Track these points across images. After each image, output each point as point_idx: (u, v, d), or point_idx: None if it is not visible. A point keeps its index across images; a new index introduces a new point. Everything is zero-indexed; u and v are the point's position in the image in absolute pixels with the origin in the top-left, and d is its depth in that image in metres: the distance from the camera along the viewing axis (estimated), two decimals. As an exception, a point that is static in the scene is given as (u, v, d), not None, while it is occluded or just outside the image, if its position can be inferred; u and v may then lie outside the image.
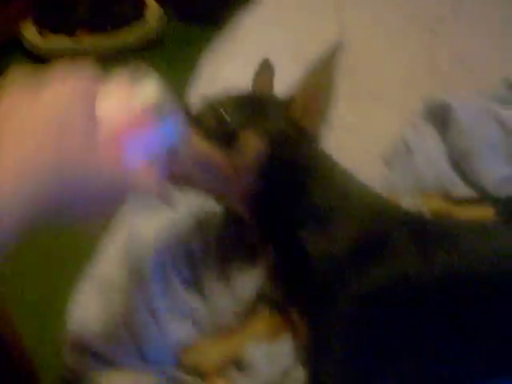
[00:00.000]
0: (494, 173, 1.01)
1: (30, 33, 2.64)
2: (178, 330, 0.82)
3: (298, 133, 0.77)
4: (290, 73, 1.33)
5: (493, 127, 1.06)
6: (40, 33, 2.64)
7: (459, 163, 1.05)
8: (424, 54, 1.43)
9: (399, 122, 1.17)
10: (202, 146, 0.72)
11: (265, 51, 1.40)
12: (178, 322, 0.83)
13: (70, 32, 2.64)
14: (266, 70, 0.91)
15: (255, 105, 0.79)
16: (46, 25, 2.65)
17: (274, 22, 1.55)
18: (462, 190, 1.04)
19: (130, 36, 2.69)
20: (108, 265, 0.92)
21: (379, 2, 1.63)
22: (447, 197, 0.99)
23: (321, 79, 0.77)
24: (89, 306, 0.86)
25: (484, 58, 1.37)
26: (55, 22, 2.65)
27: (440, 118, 1.09)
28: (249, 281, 0.84)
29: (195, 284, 0.86)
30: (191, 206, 0.92)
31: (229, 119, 0.73)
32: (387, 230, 0.74)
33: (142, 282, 0.86)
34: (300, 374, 0.76)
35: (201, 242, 0.89)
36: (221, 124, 0.73)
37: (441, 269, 0.71)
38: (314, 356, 0.73)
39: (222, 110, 0.73)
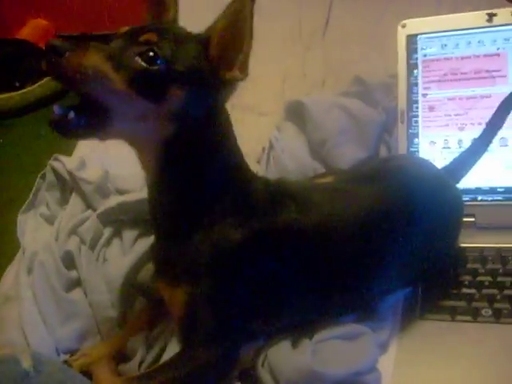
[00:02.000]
0: (348, 156, 1.14)
1: None
2: (66, 332, 0.89)
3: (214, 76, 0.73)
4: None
5: (342, 116, 1.19)
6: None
7: (318, 152, 1.18)
8: (297, 65, 1.56)
9: (269, 127, 1.28)
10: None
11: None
12: (66, 323, 0.90)
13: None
14: None
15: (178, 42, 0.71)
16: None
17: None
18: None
19: (38, 90, 2.75)
20: (6, 284, 0.99)
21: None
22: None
23: (238, 23, 0.70)
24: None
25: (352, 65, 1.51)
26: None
27: (297, 115, 1.22)
28: (119, 270, 0.93)
29: (77, 283, 0.94)
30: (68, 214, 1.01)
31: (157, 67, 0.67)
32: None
33: (31, 291, 0.93)
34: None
35: (77, 244, 0.98)
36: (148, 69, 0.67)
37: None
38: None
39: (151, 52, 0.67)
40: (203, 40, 0.73)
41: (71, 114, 0.65)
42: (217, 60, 0.73)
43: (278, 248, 0.80)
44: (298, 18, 1.73)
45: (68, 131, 0.67)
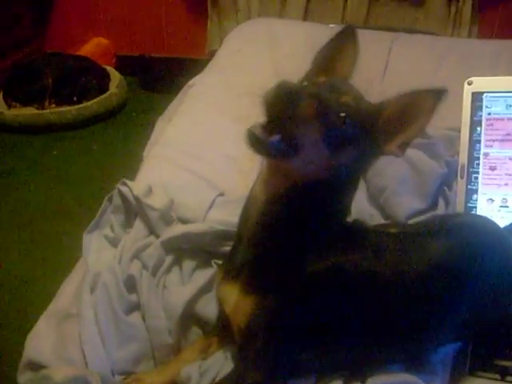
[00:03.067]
0: (406, 205, 1.16)
1: (-3, 104, 2.79)
2: (123, 355, 0.93)
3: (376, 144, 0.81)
4: (232, 128, 1.51)
5: (403, 165, 1.21)
6: (9, 105, 2.80)
7: (376, 198, 1.20)
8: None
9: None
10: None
11: (208, 111, 1.59)
12: (124, 345, 0.93)
13: (37, 103, 2.80)
14: (348, 37, 0.89)
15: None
16: (14, 97, 2.80)
17: (218, 85, 1.72)
18: (379, 221, 1.18)
19: (95, 105, 2.84)
20: (65, 299, 1.03)
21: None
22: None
23: (416, 110, 0.78)
24: (45, 335, 0.96)
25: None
26: (23, 94, 2.80)
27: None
28: (179, 298, 0.96)
29: (136, 307, 0.97)
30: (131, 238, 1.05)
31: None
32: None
33: (92, 311, 0.96)
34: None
35: (139, 268, 1.01)
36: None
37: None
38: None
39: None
40: (377, 110, 0.80)
41: (277, 137, 0.71)
42: (382, 131, 0.80)
43: (348, 286, 0.83)
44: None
45: (265, 150, 0.74)
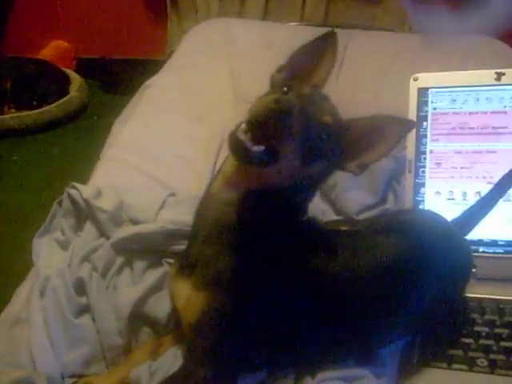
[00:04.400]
0: (356, 201, 1.18)
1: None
2: (72, 357, 0.92)
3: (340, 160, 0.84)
4: (187, 129, 1.51)
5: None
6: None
7: (328, 194, 1.21)
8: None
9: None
10: None
11: (163, 112, 1.59)
12: (73, 348, 0.93)
13: (-5, 108, 2.77)
14: (329, 42, 0.88)
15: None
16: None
17: (174, 86, 1.72)
18: (331, 217, 1.19)
19: (55, 109, 2.81)
20: (17, 305, 1.02)
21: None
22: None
23: (381, 132, 0.81)
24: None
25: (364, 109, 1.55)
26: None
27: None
28: (128, 299, 0.96)
29: (86, 309, 0.97)
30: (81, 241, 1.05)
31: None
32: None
33: (41, 315, 0.96)
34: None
35: (89, 270, 1.01)
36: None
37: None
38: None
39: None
40: (345, 127, 0.82)
41: (261, 148, 0.73)
42: (346, 148, 0.83)
43: (300, 283, 0.84)
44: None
45: (248, 158, 0.74)
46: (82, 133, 2.82)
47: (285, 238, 0.85)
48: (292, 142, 0.74)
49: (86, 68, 3.16)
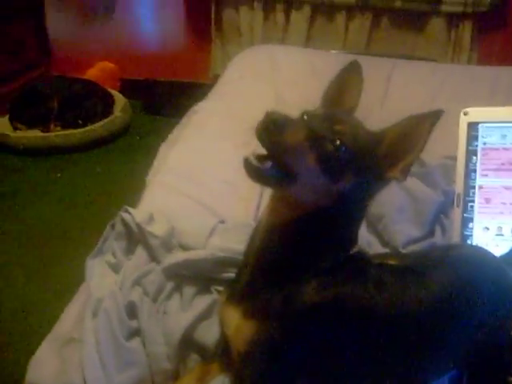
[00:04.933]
0: (403, 233, 1.18)
1: (2, 126, 2.84)
2: (122, 380, 0.94)
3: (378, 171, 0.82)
4: (233, 155, 1.54)
5: (401, 194, 1.24)
6: (15, 128, 2.84)
7: (374, 226, 1.22)
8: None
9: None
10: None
11: (210, 138, 1.62)
12: (123, 370, 0.95)
13: (42, 126, 2.84)
14: (353, 71, 0.92)
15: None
16: (20, 120, 2.85)
17: (220, 112, 1.76)
18: (377, 249, 1.20)
19: (99, 129, 2.88)
20: (68, 324, 1.05)
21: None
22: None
23: (413, 135, 0.81)
24: (47, 360, 0.98)
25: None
26: (28, 116, 2.84)
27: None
28: (178, 324, 0.98)
29: (136, 332, 0.99)
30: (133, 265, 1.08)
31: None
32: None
33: (94, 336, 0.98)
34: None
35: (140, 294, 1.03)
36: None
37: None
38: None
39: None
40: (377, 138, 0.82)
41: (268, 164, 0.75)
42: (383, 158, 0.82)
43: (348, 318, 0.84)
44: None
45: (261, 178, 0.78)
46: (124, 152, 2.88)
47: (333, 269, 0.85)
48: (298, 155, 0.75)
49: (130, 89, 3.23)
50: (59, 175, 2.66)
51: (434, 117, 0.81)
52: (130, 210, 1.16)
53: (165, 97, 3.17)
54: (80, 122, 2.90)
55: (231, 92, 1.91)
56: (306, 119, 0.81)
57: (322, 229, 0.83)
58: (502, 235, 1.14)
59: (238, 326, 0.86)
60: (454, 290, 0.90)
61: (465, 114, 1.21)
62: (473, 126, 1.20)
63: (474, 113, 1.20)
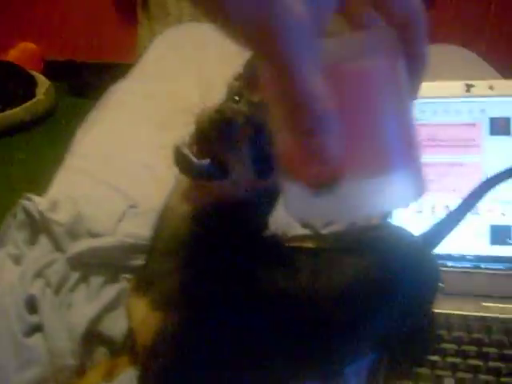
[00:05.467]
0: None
1: None
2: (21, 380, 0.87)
3: None
4: (152, 137, 1.47)
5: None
6: None
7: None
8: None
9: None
10: None
11: (128, 120, 1.55)
12: (23, 370, 0.88)
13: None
14: None
15: None
16: None
17: (140, 92, 1.68)
18: (298, 230, 1.16)
19: (20, 113, 2.74)
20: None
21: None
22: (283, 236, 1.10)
23: None
24: None
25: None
26: None
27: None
28: (82, 317, 0.91)
29: (37, 328, 0.92)
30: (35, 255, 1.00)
31: None
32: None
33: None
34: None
35: (42, 287, 0.96)
36: None
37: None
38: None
39: None
40: None
41: (207, 161, 0.69)
42: None
43: (258, 305, 0.80)
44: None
45: (194, 172, 0.72)
46: (49, 137, 2.75)
47: (243, 255, 0.81)
48: (239, 153, 0.71)
49: (54, 71, 3.09)
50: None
51: None
52: (32, 197, 1.09)
53: (91, 78, 3.05)
54: (0, 106, 2.75)
55: (152, 72, 1.83)
56: (248, 112, 0.74)
57: (236, 218, 0.80)
58: (422, 213, 1.13)
59: (143, 318, 0.81)
60: (370, 274, 0.87)
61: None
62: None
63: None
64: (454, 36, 2.46)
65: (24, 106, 2.74)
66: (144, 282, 0.83)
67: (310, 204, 0.46)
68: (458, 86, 1.14)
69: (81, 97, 3.05)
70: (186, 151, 0.69)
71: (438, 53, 1.86)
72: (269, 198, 0.83)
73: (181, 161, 0.70)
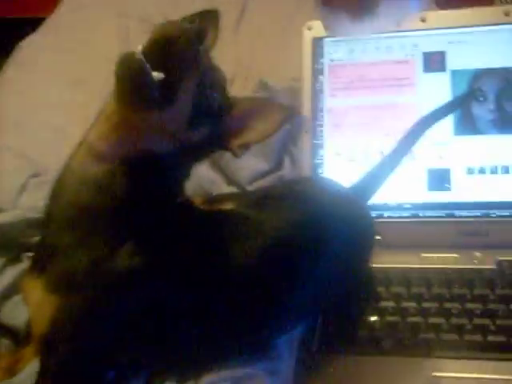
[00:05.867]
0: (248, 168, 1.06)
1: None
2: None
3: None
4: (63, 95, 1.34)
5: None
6: None
7: (218, 162, 1.08)
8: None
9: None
10: None
11: (38, 78, 1.41)
12: None
13: None
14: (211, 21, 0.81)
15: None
16: None
17: (52, 47, 1.53)
18: (223, 188, 1.07)
19: None
20: None
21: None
22: (204, 196, 1.00)
23: (262, 116, 0.75)
24: None
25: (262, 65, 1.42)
26: None
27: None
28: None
29: None
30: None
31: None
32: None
33: None
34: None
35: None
36: None
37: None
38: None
39: None
40: (229, 104, 0.74)
41: (161, 75, 0.60)
42: (225, 127, 0.73)
43: (168, 281, 0.71)
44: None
45: (143, 91, 0.60)
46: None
47: (152, 224, 0.71)
48: (194, 79, 0.64)
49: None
50: None
51: (288, 115, 0.76)
52: None
53: (8, 35, 2.82)
54: None
55: (67, 23, 1.66)
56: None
57: (150, 180, 0.70)
58: (355, 160, 1.04)
59: (39, 302, 0.70)
60: (296, 233, 0.78)
61: (308, 28, 1.08)
62: (318, 42, 1.07)
63: (319, 27, 1.08)
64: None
65: None
66: (40, 261, 0.73)
67: None
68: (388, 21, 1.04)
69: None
70: (141, 57, 0.58)
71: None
72: (193, 159, 0.75)
73: (132, 72, 0.58)
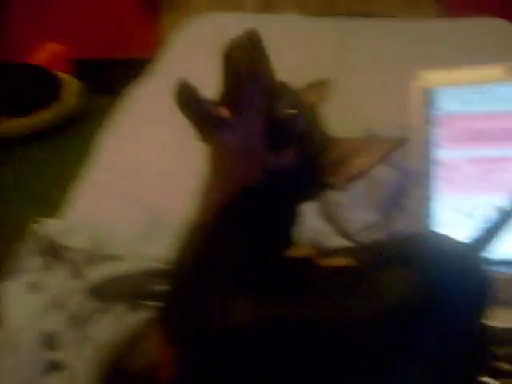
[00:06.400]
0: (357, 219, 1.05)
1: None
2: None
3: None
4: (175, 141, 1.40)
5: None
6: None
7: (326, 213, 1.09)
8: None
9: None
10: None
11: (147, 123, 1.47)
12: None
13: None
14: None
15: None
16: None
17: (160, 93, 1.60)
18: (335, 240, 1.07)
19: (47, 115, 2.69)
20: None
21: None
22: (316, 247, 1.01)
23: (369, 153, 0.74)
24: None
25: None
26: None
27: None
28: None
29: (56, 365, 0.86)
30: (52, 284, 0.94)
31: None
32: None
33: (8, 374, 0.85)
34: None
35: (60, 319, 0.90)
36: None
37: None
38: None
39: None
40: (329, 141, 0.74)
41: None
42: (327, 163, 0.73)
43: (285, 338, 0.71)
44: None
45: (196, 110, 0.66)
46: (79, 139, 2.69)
47: (276, 278, 0.72)
48: (253, 88, 0.65)
49: (82, 70, 3.03)
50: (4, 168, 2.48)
51: (396, 144, 0.74)
52: (46, 221, 1.02)
53: (121, 76, 2.97)
54: (23, 109, 2.68)
55: (173, 69, 1.74)
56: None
57: (255, 221, 0.71)
58: (469, 214, 1.02)
59: (157, 353, 0.73)
60: (412, 295, 0.77)
61: (417, 78, 1.07)
62: (428, 92, 1.06)
63: (429, 77, 1.07)
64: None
65: (50, 108, 2.68)
66: (163, 311, 0.76)
67: None
68: (501, 69, 1.02)
69: (112, 96, 2.98)
70: (187, 81, 0.63)
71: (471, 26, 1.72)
72: (294, 197, 0.74)
73: (182, 95, 0.64)
